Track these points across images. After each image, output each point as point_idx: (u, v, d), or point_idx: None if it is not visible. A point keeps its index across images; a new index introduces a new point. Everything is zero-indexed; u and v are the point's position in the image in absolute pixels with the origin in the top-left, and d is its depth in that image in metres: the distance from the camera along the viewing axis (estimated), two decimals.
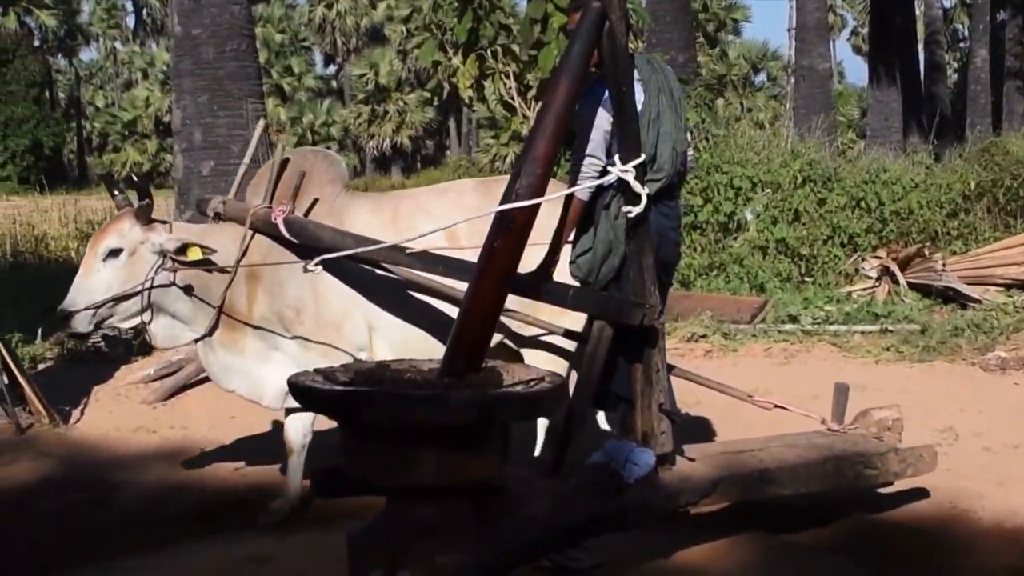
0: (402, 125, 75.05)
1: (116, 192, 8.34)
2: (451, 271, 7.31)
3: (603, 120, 6.45)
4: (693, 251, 17.61)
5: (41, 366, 12.49)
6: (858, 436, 7.74)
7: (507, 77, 16.55)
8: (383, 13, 78.38)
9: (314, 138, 74.76)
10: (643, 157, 6.27)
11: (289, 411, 8.23)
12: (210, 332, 8.09)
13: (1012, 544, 7.46)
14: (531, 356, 7.77)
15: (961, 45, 66.69)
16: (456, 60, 16.85)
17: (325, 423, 7.70)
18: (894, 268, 15.68)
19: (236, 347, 8.15)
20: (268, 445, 9.62)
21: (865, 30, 62.02)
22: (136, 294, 7.89)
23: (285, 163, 8.19)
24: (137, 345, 12.15)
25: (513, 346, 7.88)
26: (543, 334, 7.88)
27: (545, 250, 6.80)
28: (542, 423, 8.00)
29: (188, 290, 7.96)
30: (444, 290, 7.77)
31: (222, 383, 8.40)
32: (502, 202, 5.72)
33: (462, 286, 7.56)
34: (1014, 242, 16.13)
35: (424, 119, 76.14)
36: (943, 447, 9.16)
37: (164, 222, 8.11)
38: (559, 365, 7.57)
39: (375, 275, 7.86)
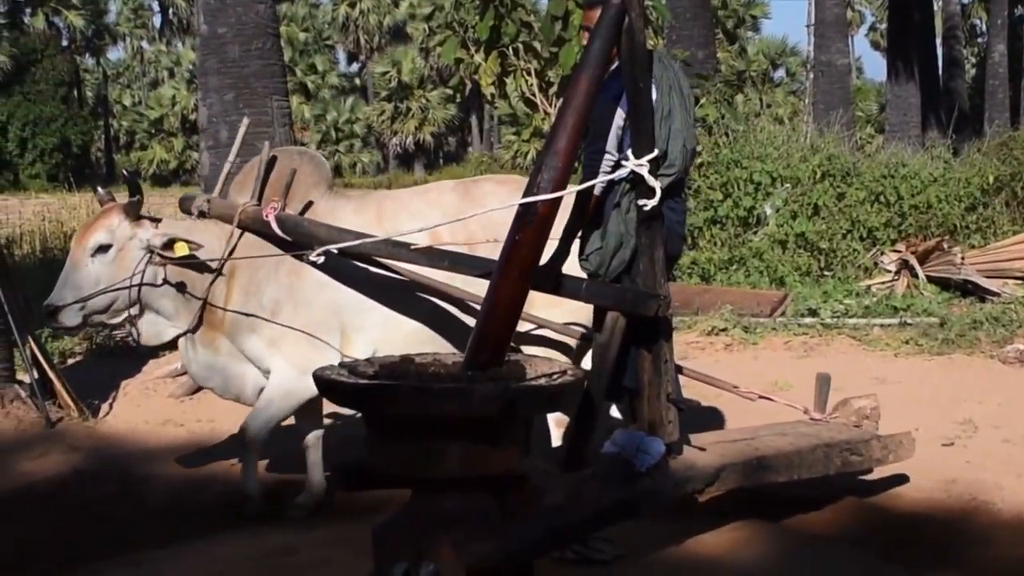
0: (424, 122, 75.14)
1: (100, 189, 8.43)
2: (459, 266, 7.42)
3: (617, 116, 6.55)
4: (714, 245, 17.68)
5: (70, 361, 12.63)
6: (840, 424, 7.91)
7: (528, 74, 16.59)
8: (405, 11, 78.42)
9: (337, 135, 75.10)
10: (657, 152, 6.34)
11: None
12: (194, 329, 8.11)
13: None
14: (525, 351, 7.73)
15: (979, 40, 66.40)
16: (478, 57, 16.88)
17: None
18: (913, 262, 15.71)
19: (212, 345, 8.17)
20: (293, 438, 9.74)
21: (883, 26, 61.68)
22: (124, 289, 7.91)
23: (272, 162, 8.20)
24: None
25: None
26: (533, 328, 7.96)
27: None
28: (551, 416, 8.05)
29: (181, 287, 7.99)
30: (442, 288, 7.89)
31: (201, 380, 8.50)
32: (525, 195, 5.80)
33: (459, 284, 7.81)
34: None
35: (446, 116, 76.20)
36: (963, 439, 9.34)
37: (152, 218, 8.12)
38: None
39: (360, 277, 7.92)
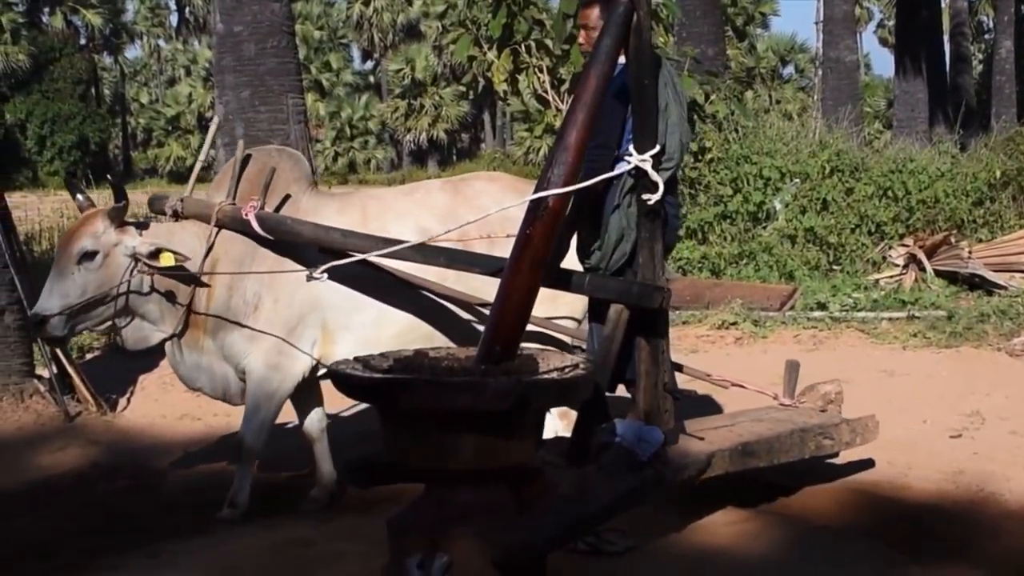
0: (438, 119, 75.13)
1: (79, 194, 8.15)
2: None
3: (619, 111, 6.58)
4: (724, 240, 17.77)
5: (89, 356, 12.69)
6: (808, 409, 8.02)
7: (540, 71, 16.54)
8: (419, 9, 78.39)
9: (352, 132, 75.23)
10: (659, 147, 6.40)
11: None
12: (180, 333, 7.94)
13: None
14: None
15: (986, 36, 66.18)
16: (491, 55, 16.84)
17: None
18: (921, 256, 15.82)
19: (197, 345, 8.00)
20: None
21: (891, 22, 61.70)
22: (112, 297, 7.70)
23: (246, 160, 8.09)
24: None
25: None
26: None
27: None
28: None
29: (170, 296, 7.83)
30: (448, 292, 7.86)
31: (189, 382, 8.27)
32: (537, 190, 5.88)
33: (450, 283, 7.80)
34: None
35: (459, 113, 76.19)
36: (970, 431, 9.39)
37: (137, 223, 7.97)
38: None
39: (346, 274, 7.68)
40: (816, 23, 52.20)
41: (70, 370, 10.92)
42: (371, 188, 9.47)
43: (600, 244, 6.74)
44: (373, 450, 5.99)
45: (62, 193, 36.36)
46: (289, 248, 7.84)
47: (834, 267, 17.41)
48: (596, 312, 6.94)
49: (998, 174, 18.14)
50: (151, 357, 12.00)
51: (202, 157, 8.75)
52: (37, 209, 27.41)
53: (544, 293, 6.26)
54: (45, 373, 11.06)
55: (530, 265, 5.81)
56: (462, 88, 72.03)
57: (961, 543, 7.19)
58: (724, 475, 7.03)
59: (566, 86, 16.23)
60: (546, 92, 16.71)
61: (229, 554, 6.97)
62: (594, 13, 6.85)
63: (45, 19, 75.71)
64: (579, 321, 8.16)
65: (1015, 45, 37.33)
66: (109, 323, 7.88)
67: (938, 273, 15.82)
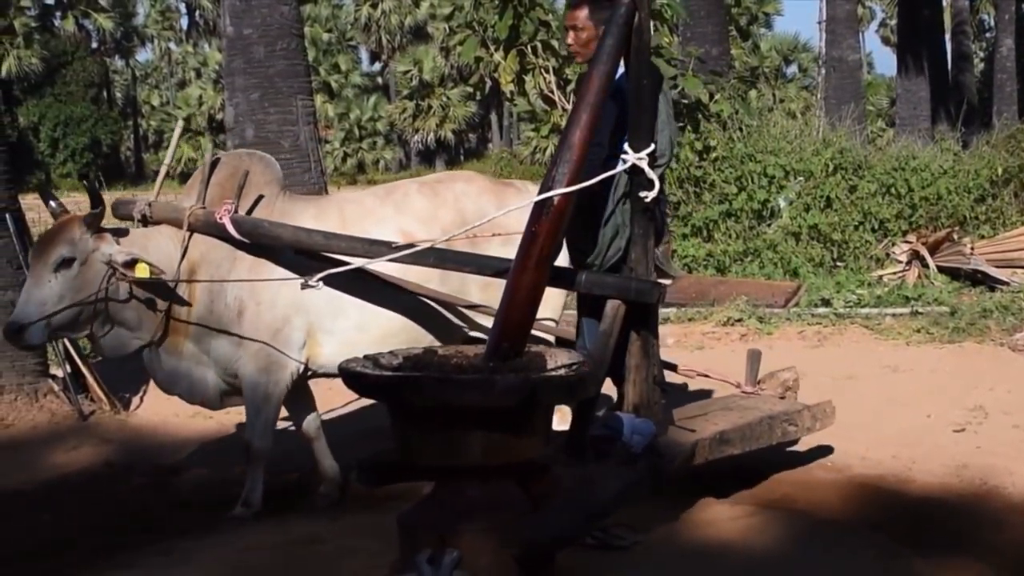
0: (445, 119, 75.04)
1: (51, 201, 7.93)
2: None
3: (611, 109, 6.60)
4: (729, 238, 17.82)
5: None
6: (769, 397, 8.12)
7: (547, 72, 16.60)
8: (426, 11, 78.22)
9: (361, 132, 75.19)
10: (654, 145, 6.48)
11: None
12: (159, 339, 7.80)
13: None
14: None
15: (987, 35, 66.12)
16: (497, 56, 16.89)
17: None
18: (924, 252, 15.88)
19: (176, 350, 7.86)
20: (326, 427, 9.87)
21: (893, 22, 61.53)
22: (90, 304, 7.53)
23: (215, 164, 7.96)
24: None
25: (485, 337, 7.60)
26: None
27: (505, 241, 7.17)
28: None
29: (149, 302, 7.69)
30: (421, 290, 7.83)
31: (166, 387, 8.15)
32: (542, 188, 5.98)
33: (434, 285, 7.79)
34: None
35: (467, 113, 76.09)
36: (973, 425, 9.40)
37: (114, 230, 7.77)
38: None
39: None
40: (819, 23, 52.20)
41: (84, 369, 10.96)
42: (345, 192, 9.30)
43: (594, 241, 6.83)
44: (375, 449, 6.16)
45: (74, 195, 36.37)
46: (267, 250, 7.75)
47: (838, 264, 17.46)
48: (589, 308, 7.03)
49: (1000, 171, 18.19)
50: None
51: (167, 161, 8.62)
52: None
53: None
54: (59, 373, 11.09)
55: (536, 262, 5.88)
56: (469, 89, 71.82)
57: (965, 536, 7.18)
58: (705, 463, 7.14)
59: (572, 86, 16.31)
60: (552, 92, 16.79)
61: (241, 551, 6.97)
62: (582, 14, 6.94)
63: (57, 23, 75.96)
64: (556, 322, 8.27)
65: (1016, 43, 37.32)
66: (87, 330, 7.73)
67: (941, 269, 15.87)
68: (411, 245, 7.32)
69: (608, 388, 7.14)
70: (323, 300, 7.70)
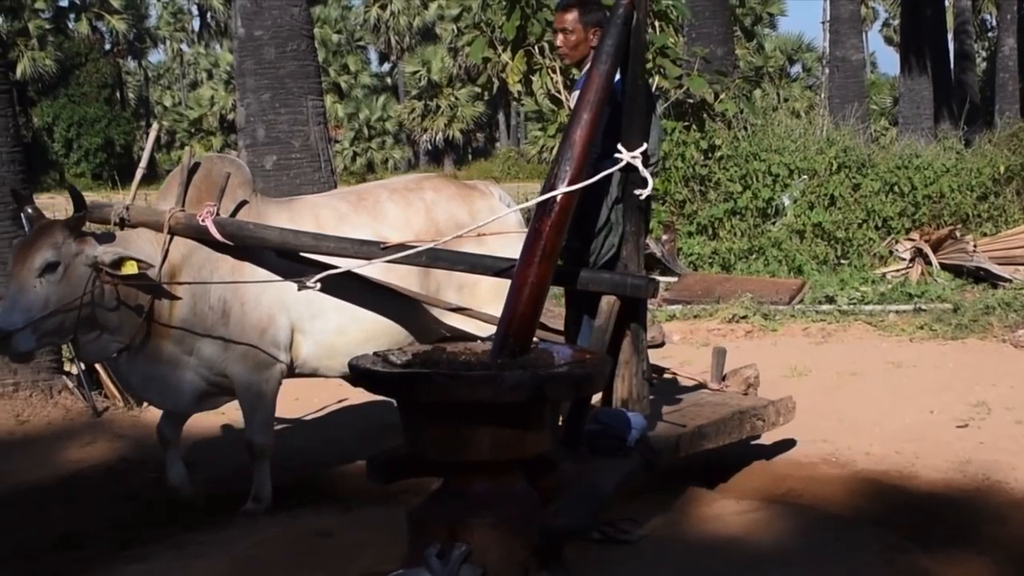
0: (454, 119, 75.11)
1: (28, 207, 7.78)
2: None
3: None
4: (733, 236, 17.87)
5: None
6: (734, 393, 8.28)
7: (553, 72, 16.64)
8: (434, 12, 78.28)
9: (370, 132, 75.19)
10: (646, 145, 6.57)
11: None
12: (141, 343, 7.67)
13: None
14: None
15: (989, 35, 65.93)
16: (505, 56, 16.94)
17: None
18: (927, 250, 15.96)
19: (155, 353, 7.71)
20: (329, 425, 9.95)
21: (896, 22, 61.50)
22: (75, 308, 7.36)
23: (195, 168, 7.87)
24: None
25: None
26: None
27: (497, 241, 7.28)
28: None
29: (139, 309, 7.57)
30: (426, 299, 7.88)
31: (138, 391, 8.18)
32: (545, 186, 6.11)
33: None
34: None
35: (475, 113, 76.14)
36: (976, 421, 9.46)
37: (96, 234, 7.65)
38: None
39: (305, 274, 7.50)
40: (823, 23, 52.28)
41: (97, 366, 10.97)
42: (316, 195, 9.21)
43: (588, 239, 6.91)
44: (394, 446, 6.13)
45: (89, 194, 36.36)
46: (248, 252, 7.70)
47: (842, 261, 17.55)
48: (584, 304, 7.08)
49: (1002, 169, 18.31)
50: None
51: (143, 164, 8.46)
52: (64, 210, 27.38)
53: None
54: (73, 370, 11.15)
55: (541, 258, 5.95)
56: (477, 89, 71.63)
57: (967, 531, 7.23)
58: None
59: None
60: (559, 92, 16.85)
61: (254, 544, 6.99)
62: (571, 17, 7.00)
63: (71, 25, 75.94)
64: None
65: (1018, 43, 37.28)
66: (72, 336, 7.59)
67: (944, 267, 15.95)
68: (403, 246, 7.34)
69: None
70: (303, 300, 7.68)
